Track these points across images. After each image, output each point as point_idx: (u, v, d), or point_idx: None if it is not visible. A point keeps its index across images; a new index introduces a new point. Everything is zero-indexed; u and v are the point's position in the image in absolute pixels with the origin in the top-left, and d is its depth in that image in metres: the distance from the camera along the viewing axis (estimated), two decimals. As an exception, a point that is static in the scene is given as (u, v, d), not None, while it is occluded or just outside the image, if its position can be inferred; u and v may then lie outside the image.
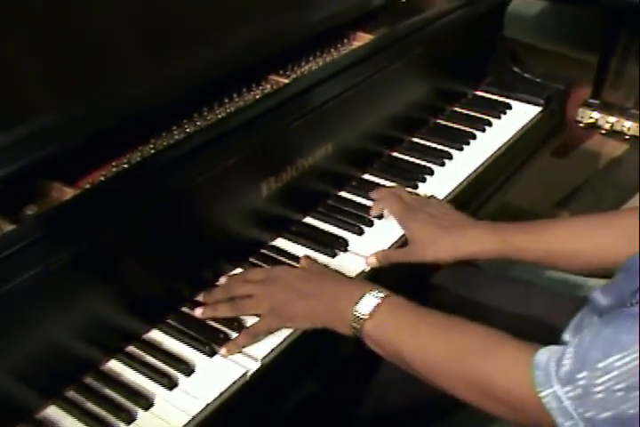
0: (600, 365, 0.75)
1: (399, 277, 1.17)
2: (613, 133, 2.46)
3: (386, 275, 1.14)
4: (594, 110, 2.46)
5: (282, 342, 1.01)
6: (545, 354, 0.81)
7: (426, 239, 1.14)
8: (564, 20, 2.79)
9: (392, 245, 1.18)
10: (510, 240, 1.11)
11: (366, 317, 0.94)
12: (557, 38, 2.75)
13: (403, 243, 1.18)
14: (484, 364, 0.87)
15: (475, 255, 1.13)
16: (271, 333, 1.01)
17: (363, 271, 1.13)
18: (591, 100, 2.47)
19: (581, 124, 2.49)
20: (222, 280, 1.10)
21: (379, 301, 0.95)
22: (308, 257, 1.12)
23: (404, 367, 0.94)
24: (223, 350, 0.97)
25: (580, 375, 0.76)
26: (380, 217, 1.23)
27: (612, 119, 2.42)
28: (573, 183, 2.42)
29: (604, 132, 2.46)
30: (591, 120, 2.47)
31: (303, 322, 1.01)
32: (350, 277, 1.07)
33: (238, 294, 1.04)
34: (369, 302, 0.95)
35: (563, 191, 2.38)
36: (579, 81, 2.44)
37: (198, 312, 1.03)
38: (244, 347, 0.98)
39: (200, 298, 1.06)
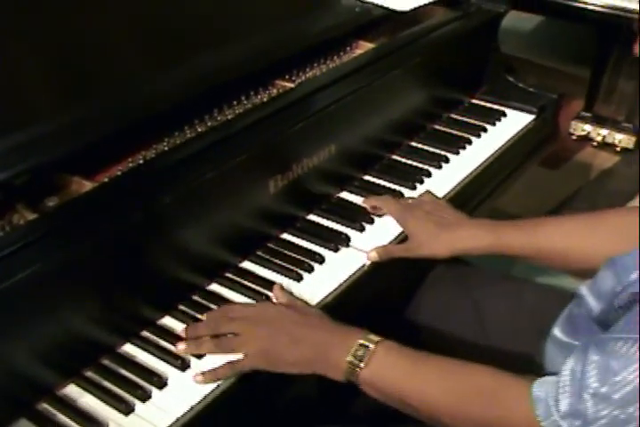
0: (597, 393, 0.77)
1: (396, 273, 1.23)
2: (605, 146, 2.52)
3: (382, 271, 1.19)
4: (586, 123, 2.52)
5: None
6: (541, 389, 0.83)
7: (424, 235, 1.19)
8: (557, 36, 2.86)
9: (391, 241, 1.23)
10: (503, 237, 1.15)
11: (362, 365, 0.93)
12: (551, 53, 2.81)
13: (401, 239, 1.23)
14: (489, 406, 0.88)
15: (469, 251, 1.18)
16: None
17: (364, 265, 1.18)
18: (583, 113, 2.53)
19: (574, 137, 2.56)
20: (204, 315, 1.06)
21: (372, 347, 0.94)
22: (282, 287, 1.11)
23: (406, 411, 0.94)
24: (199, 377, 0.96)
25: (579, 407, 0.78)
26: (380, 215, 1.28)
27: (604, 132, 2.49)
28: (566, 194, 2.46)
29: (595, 144, 2.53)
30: (583, 133, 2.53)
31: (292, 368, 0.98)
32: (338, 322, 1.02)
33: (224, 331, 1.01)
34: (363, 350, 0.94)
35: (555, 201, 2.42)
36: (572, 94, 2.52)
37: (180, 348, 1.00)
38: (221, 379, 0.97)
39: (182, 333, 1.03)
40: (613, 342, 0.79)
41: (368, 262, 1.18)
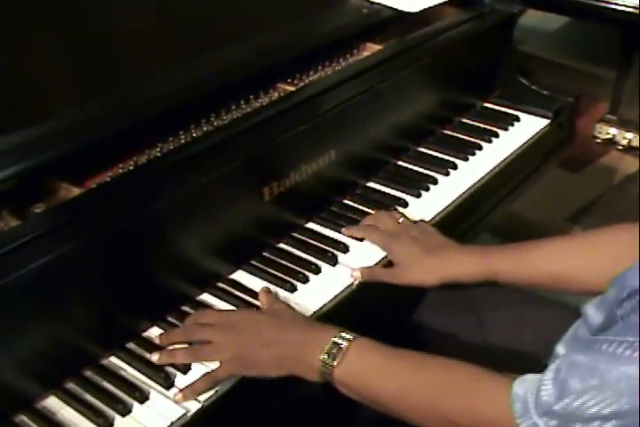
0: (578, 393, 0.75)
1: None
2: (630, 149, 2.45)
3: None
4: (611, 126, 2.46)
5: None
6: (522, 386, 0.82)
7: (409, 261, 1.15)
8: (583, 36, 2.80)
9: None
10: (493, 263, 1.12)
11: (335, 364, 0.92)
12: (576, 54, 2.75)
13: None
14: (465, 400, 0.87)
15: (459, 278, 1.14)
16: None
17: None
18: (608, 116, 2.47)
19: (598, 140, 2.50)
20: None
21: (345, 345, 0.93)
22: (267, 291, 1.09)
23: (381, 409, 0.93)
24: (179, 396, 0.93)
25: (558, 406, 0.77)
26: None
27: (630, 135, 2.42)
28: (587, 199, 2.41)
29: (620, 148, 2.46)
30: (608, 136, 2.47)
31: (268, 370, 0.96)
32: (313, 321, 1.03)
33: (197, 338, 1.00)
34: (335, 348, 0.93)
35: (576, 206, 2.38)
36: (597, 96, 2.46)
37: (155, 358, 0.98)
38: (200, 394, 0.95)
39: (156, 340, 1.01)
40: (599, 343, 0.77)
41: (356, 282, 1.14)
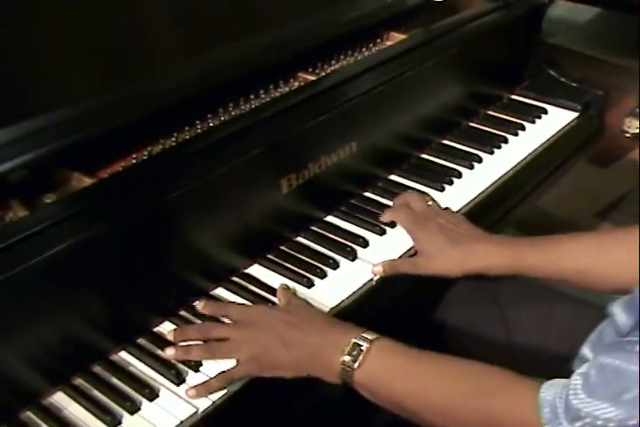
0: (610, 397, 0.73)
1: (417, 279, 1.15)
2: (660, 144, 2.40)
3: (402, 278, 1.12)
4: (640, 120, 2.40)
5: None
6: (550, 390, 0.78)
7: (434, 251, 1.11)
8: (614, 28, 2.75)
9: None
10: (521, 257, 1.08)
11: (355, 366, 0.89)
12: (606, 46, 2.70)
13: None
14: (491, 405, 0.83)
15: (484, 270, 1.10)
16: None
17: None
18: (638, 110, 2.41)
19: (627, 135, 2.44)
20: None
21: (366, 346, 0.90)
22: (286, 288, 1.06)
23: (402, 414, 0.90)
24: (192, 391, 0.91)
25: (588, 410, 0.73)
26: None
27: (660, 130, 2.37)
28: (616, 195, 2.36)
29: (650, 142, 2.41)
30: (637, 130, 2.41)
31: (286, 372, 0.93)
32: (333, 319, 0.99)
33: (214, 336, 0.96)
34: (356, 349, 0.90)
35: (605, 202, 2.32)
36: (627, 90, 2.40)
37: (169, 353, 0.95)
38: (213, 393, 0.92)
39: (170, 336, 0.98)
40: (630, 344, 0.74)
41: (376, 277, 1.11)
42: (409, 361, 0.90)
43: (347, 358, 0.90)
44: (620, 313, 0.90)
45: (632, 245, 1.01)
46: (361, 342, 0.90)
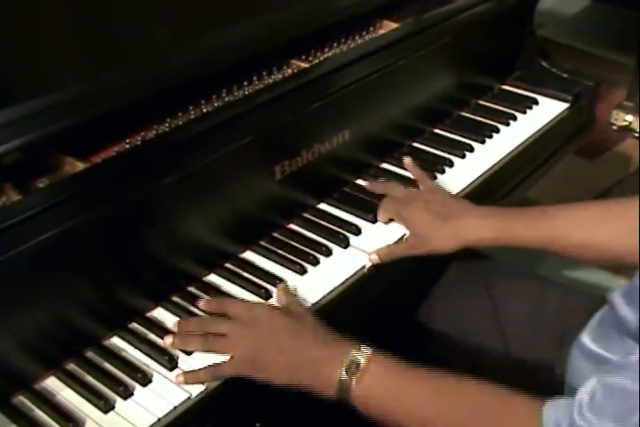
0: (617, 417, 0.71)
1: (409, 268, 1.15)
2: (647, 137, 2.41)
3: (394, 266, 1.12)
4: (628, 113, 2.41)
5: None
6: (553, 410, 0.77)
7: (426, 229, 1.11)
8: (602, 21, 2.76)
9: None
10: (509, 228, 1.07)
11: (354, 383, 0.87)
12: (595, 39, 2.71)
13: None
14: (492, 425, 0.83)
15: (476, 242, 1.10)
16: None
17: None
18: (626, 103, 2.42)
19: (614, 127, 2.45)
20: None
21: (364, 363, 0.88)
22: (286, 289, 1.04)
23: None
24: (180, 378, 0.90)
25: None
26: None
27: (647, 122, 2.38)
28: (603, 186, 2.37)
29: (637, 135, 2.42)
30: (625, 123, 2.42)
31: (277, 378, 0.91)
32: (331, 333, 0.95)
33: (213, 330, 0.95)
34: (354, 365, 0.88)
35: (592, 193, 2.34)
36: (615, 83, 2.41)
37: (168, 341, 0.94)
38: (201, 383, 0.91)
39: (172, 326, 0.98)
40: (634, 363, 0.72)
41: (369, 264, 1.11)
42: (408, 378, 0.89)
43: (344, 374, 0.88)
44: (621, 305, 0.89)
45: (622, 216, 1.01)
46: (359, 358, 0.89)
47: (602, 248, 1.02)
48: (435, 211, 1.12)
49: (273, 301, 1.02)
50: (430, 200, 1.14)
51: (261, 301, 1.03)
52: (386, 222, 1.18)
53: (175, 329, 0.97)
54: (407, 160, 1.27)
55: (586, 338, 0.99)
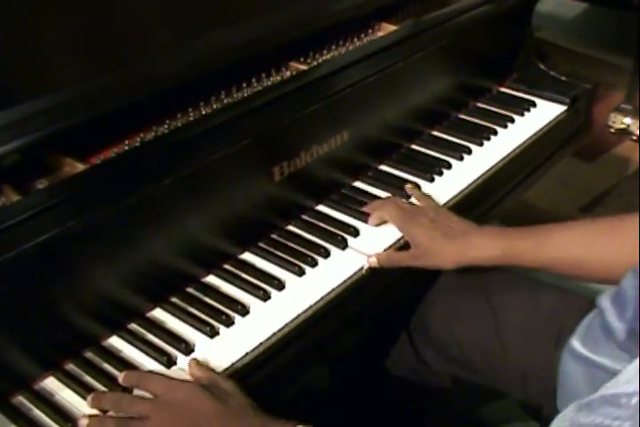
0: None
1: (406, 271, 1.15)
2: (645, 140, 2.42)
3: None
4: (626, 116, 2.41)
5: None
6: None
7: (429, 246, 1.11)
8: (600, 24, 2.76)
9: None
10: (513, 247, 1.09)
11: None
12: (593, 42, 2.71)
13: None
14: None
15: (478, 262, 1.11)
16: None
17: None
18: (623, 106, 2.42)
19: (612, 130, 2.45)
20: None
21: None
22: (196, 363, 0.92)
23: None
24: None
25: None
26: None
27: (644, 125, 2.38)
28: (600, 189, 2.38)
29: (634, 138, 2.42)
30: (622, 126, 2.43)
31: None
32: (263, 414, 0.86)
33: (130, 412, 0.85)
34: None
35: (589, 196, 2.34)
36: (613, 85, 2.41)
37: (82, 423, 0.84)
38: None
39: (88, 399, 0.87)
40: (619, 396, 0.62)
41: (366, 266, 1.11)
42: None
43: None
44: (609, 309, 0.90)
45: (624, 234, 1.01)
46: None
47: (605, 265, 1.03)
48: (441, 230, 1.12)
49: (178, 367, 0.94)
50: (435, 219, 1.15)
51: (262, 302, 1.03)
52: (376, 225, 1.18)
53: (89, 404, 0.87)
54: (409, 185, 1.27)
55: (575, 342, 0.99)
